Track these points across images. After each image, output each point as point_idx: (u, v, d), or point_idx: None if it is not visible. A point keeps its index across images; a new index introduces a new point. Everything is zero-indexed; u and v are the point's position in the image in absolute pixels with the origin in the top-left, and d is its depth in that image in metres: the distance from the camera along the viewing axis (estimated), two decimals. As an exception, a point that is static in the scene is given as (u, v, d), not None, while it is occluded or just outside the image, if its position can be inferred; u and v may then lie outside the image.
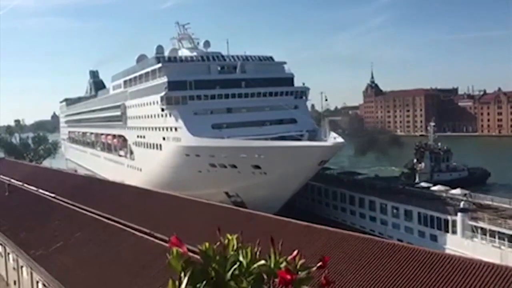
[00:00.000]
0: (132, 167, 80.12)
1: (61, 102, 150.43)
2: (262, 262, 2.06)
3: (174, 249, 2.07)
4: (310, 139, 59.01)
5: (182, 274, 2.02)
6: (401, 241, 42.71)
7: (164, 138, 65.41)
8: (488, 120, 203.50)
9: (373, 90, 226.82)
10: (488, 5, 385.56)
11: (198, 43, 76.74)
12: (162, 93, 62.49)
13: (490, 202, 52.44)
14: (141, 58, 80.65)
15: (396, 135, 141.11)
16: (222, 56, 68.81)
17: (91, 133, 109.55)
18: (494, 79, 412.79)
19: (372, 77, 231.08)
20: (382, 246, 12.23)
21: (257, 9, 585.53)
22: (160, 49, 73.51)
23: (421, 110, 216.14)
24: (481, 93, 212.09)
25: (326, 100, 73.87)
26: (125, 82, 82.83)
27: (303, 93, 67.10)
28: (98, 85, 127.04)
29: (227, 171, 57.16)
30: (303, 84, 68.50)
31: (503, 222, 43.07)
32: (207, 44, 73.57)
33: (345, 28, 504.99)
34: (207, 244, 2.12)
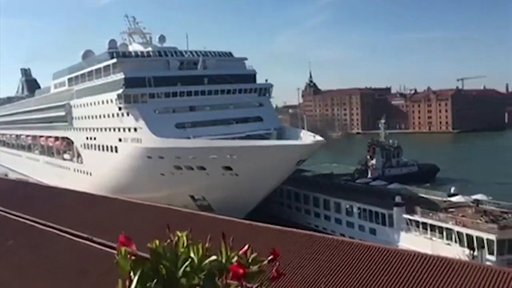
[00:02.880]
0: (80, 171, 74.11)
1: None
2: (214, 257, 2.04)
3: (122, 248, 2.01)
4: (278, 138, 57.21)
5: (132, 274, 1.95)
6: (343, 235, 44.86)
7: (120, 140, 60.64)
8: (419, 117, 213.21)
9: (311, 89, 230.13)
10: (421, 8, 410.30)
11: (150, 38, 72.32)
12: (119, 91, 57.75)
13: (425, 196, 55.30)
14: (88, 54, 74.86)
15: (349, 132, 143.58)
16: (180, 52, 65.08)
17: (27, 136, 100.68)
18: (423, 78, 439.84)
19: (311, 77, 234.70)
20: (322, 242, 12.47)
21: (199, 6, 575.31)
22: (113, 43, 68.22)
23: (357, 108, 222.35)
24: (412, 91, 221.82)
25: (303, 96, 72.68)
26: (70, 79, 76.41)
27: (266, 90, 65.08)
28: (31, 84, 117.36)
29: (194, 173, 53.81)
30: (266, 80, 66.48)
31: (433, 215, 45.40)
32: (162, 38, 69.33)
33: (286, 28, 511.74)
34: (157, 241, 2.05)
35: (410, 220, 46.97)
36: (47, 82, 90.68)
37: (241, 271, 1.97)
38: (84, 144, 71.85)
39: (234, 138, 54.59)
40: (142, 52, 64.33)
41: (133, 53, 64.07)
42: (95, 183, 65.27)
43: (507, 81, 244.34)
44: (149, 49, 66.09)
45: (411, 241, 44.42)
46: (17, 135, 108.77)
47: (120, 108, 58.75)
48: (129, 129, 58.49)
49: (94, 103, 66.27)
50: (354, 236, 45.38)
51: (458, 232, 42.37)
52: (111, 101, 60.55)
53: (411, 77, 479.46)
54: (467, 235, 41.51)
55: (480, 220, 42.62)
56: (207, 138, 53.95)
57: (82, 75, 71.83)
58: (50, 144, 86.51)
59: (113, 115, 61.39)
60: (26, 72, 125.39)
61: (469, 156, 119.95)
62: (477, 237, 40.69)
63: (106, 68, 63.23)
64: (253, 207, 52.00)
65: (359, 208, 53.16)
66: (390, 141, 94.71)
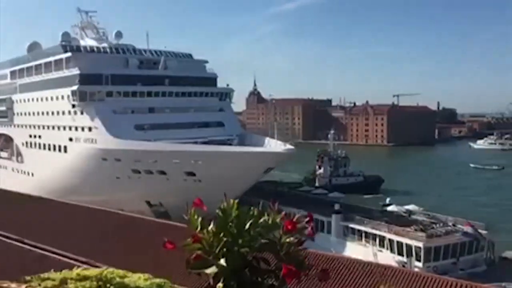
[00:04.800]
0: (19, 171, 68.61)
1: None
2: (266, 217, 2.50)
3: (193, 209, 2.53)
4: (240, 144, 56.00)
5: (199, 230, 2.45)
6: (285, 242, 45.51)
7: (71, 139, 56.70)
8: (357, 130, 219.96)
9: (255, 97, 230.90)
10: (365, 24, 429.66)
11: (103, 34, 68.64)
12: (74, 87, 53.98)
13: (362, 205, 58.08)
14: (34, 47, 69.72)
15: (298, 142, 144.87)
16: (139, 50, 62.22)
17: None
18: (362, 92, 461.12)
19: (255, 85, 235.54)
20: None
21: (147, 7, 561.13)
22: (66, 36, 63.86)
23: (299, 118, 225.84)
24: (352, 105, 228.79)
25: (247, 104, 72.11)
26: (12, 72, 70.73)
27: (227, 94, 63.69)
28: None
29: (153, 178, 51.28)
30: (227, 85, 65.12)
31: (368, 222, 47.49)
32: (119, 35, 65.79)
33: (234, 35, 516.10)
34: (224, 203, 2.54)
35: (347, 227, 48.66)
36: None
37: (289, 226, 2.52)
38: (26, 142, 66.62)
39: (195, 143, 52.72)
40: (98, 48, 60.79)
41: (88, 48, 60.35)
42: (37, 185, 60.59)
43: (438, 99, 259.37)
44: (105, 45, 62.62)
45: (348, 248, 46.28)
46: None
47: (73, 106, 54.93)
48: (83, 129, 54.83)
49: (42, 99, 61.66)
50: (294, 242, 46.48)
51: (389, 240, 44.32)
52: (63, 97, 56.59)
53: (351, 91, 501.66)
54: (398, 242, 43.49)
55: (410, 228, 44.53)
56: (169, 141, 51.71)
57: (28, 68, 66.69)
58: (-16, 140, 79.65)
59: (63, 113, 57.37)
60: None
61: (406, 168, 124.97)
62: (406, 245, 42.71)
63: (58, 62, 59.06)
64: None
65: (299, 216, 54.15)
66: (339, 151, 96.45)
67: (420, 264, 40.99)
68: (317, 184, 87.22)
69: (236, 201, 2.59)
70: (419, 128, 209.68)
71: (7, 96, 70.14)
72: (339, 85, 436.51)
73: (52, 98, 59.17)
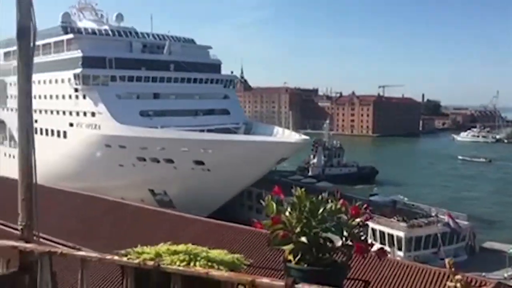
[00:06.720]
0: (13, 156, 66.12)
1: None
2: (330, 204, 3.09)
3: (269, 195, 3.15)
4: (246, 133, 54.99)
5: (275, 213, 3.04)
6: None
7: (72, 124, 54.74)
8: (343, 120, 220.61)
9: (242, 85, 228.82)
10: (351, 16, 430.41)
11: (102, 16, 66.38)
12: (77, 70, 51.90)
13: (348, 194, 58.14)
14: (30, 27, 66.76)
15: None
16: (142, 33, 60.25)
17: None
18: (349, 83, 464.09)
19: (242, 72, 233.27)
20: (239, 231, 14.14)
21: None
22: (66, 17, 61.26)
23: (285, 107, 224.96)
24: (338, 95, 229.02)
25: None
26: (6, 53, 67.74)
27: (232, 82, 62.39)
28: None
29: (159, 166, 49.89)
30: (232, 72, 63.72)
31: None
32: (120, 17, 63.44)
33: (219, 21, 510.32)
34: (299, 189, 3.17)
35: None
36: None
37: (354, 211, 3.02)
38: None
39: (202, 131, 51.48)
40: (99, 30, 58.59)
41: (89, 30, 58.07)
42: (33, 171, 58.54)
43: (423, 91, 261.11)
44: (106, 27, 60.43)
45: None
46: None
47: (76, 90, 52.87)
48: (85, 114, 52.92)
49: (39, 82, 59.15)
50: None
51: (373, 229, 44.36)
52: (63, 81, 54.45)
53: (338, 81, 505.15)
54: (381, 231, 44.01)
55: (393, 219, 45.06)
56: (176, 128, 50.34)
57: (24, 49, 63.89)
58: (-26, 124, 76.56)
59: (64, 97, 55.27)
60: None
61: (395, 159, 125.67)
62: (389, 234, 43.39)
63: (59, 43, 56.74)
64: (219, 206, 49.11)
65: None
66: (334, 141, 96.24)
67: (401, 254, 41.68)
68: (310, 174, 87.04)
69: (303, 189, 3.17)
70: (404, 120, 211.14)
71: (1, 78, 67.30)
72: (325, 75, 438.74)
73: (51, 81, 56.93)
